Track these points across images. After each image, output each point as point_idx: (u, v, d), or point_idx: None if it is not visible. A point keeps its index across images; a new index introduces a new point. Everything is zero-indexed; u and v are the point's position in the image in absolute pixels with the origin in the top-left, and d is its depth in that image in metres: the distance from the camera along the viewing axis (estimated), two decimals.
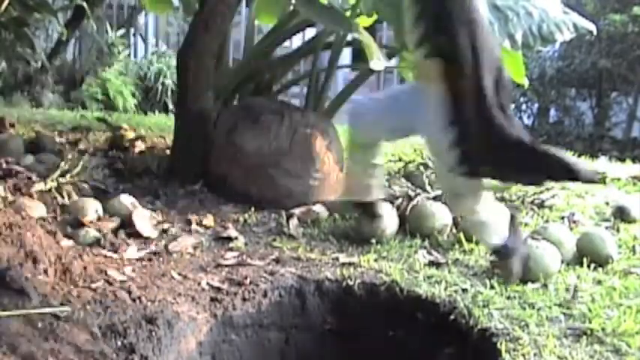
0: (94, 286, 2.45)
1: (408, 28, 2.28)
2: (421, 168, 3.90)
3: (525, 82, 4.24)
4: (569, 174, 2.16)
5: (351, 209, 2.87)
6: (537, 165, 2.18)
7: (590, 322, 2.38)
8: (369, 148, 2.59)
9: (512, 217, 2.62)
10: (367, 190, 2.68)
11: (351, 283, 2.71)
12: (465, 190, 2.36)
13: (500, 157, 2.20)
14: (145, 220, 3.14)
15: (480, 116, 2.15)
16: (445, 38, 2.14)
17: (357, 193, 2.76)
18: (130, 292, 2.43)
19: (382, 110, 2.51)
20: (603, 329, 2.32)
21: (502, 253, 2.59)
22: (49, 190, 3.30)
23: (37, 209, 3.03)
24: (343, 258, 2.93)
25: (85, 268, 2.53)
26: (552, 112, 10.51)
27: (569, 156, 2.25)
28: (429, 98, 2.27)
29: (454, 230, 3.26)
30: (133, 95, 9.09)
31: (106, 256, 2.77)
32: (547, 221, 3.54)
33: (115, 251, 2.84)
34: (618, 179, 4.62)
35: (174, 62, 6.33)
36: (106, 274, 2.58)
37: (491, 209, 2.52)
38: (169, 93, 9.42)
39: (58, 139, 4.56)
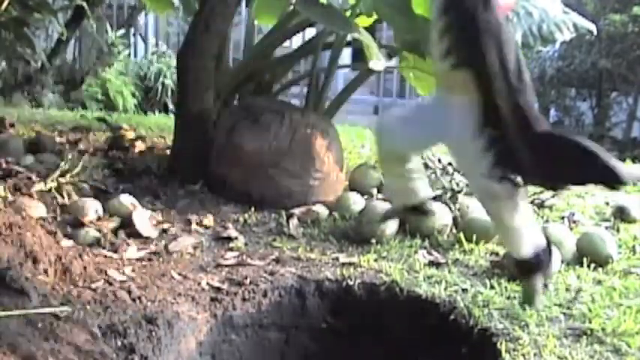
0: (94, 286, 2.45)
1: (433, 40, 2.32)
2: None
3: None
4: (614, 177, 2.10)
5: (405, 213, 2.89)
6: (581, 164, 2.14)
7: (590, 322, 2.38)
8: (400, 157, 2.62)
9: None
10: (411, 193, 2.71)
11: (351, 283, 2.71)
12: (502, 194, 2.33)
13: (542, 157, 2.18)
14: (145, 220, 3.14)
15: (515, 116, 2.17)
16: (472, 49, 2.19)
17: (403, 198, 2.78)
18: (130, 292, 2.43)
19: (410, 123, 2.54)
20: (603, 329, 2.32)
21: (529, 266, 2.43)
22: (49, 190, 3.30)
23: (37, 209, 3.03)
24: (343, 258, 2.93)
25: (85, 268, 2.53)
26: (552, 112, 10.50)
27: (610, 157, 2.19)
28: (454, 108, 2.32)
29: (454, 230, 3.27)
30: (133, 95, 9.09)
31: (106, 256, 2.77)
32: (547, 221, 3.54)
33: (115, 251, 2.84)
34: None
35: (174, 62, 6.32)
36: (106, 274, 2.58)
37: (527, 216, 2.44)
38: (169, 93, 9.41)
39: (58, 139, 4.56)
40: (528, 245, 2.41)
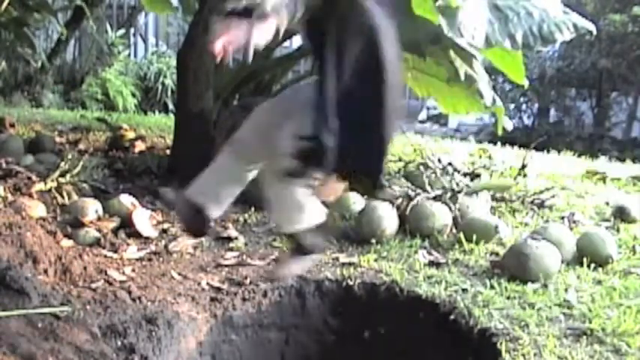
0: (94, 286, 2.45)
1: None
2: (421, 168, 3.90)
3: (525, 83, 4.25)
4: None
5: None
6: None
7: (590, 322, 2.37)
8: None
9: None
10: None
11: (351, 283, 2.71)
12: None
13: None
14: (145, 220, 3.13)
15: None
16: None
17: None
18: (130, 292, 2.43)
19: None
20: (603, 329, 2.32)
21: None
22: (49, 190, 3.30)
23: (37, 209, 3.03)
24: (343, 258, 2.93)
25: (85, 268, 2.53)
26: (552, 112, 10.52)
27: None
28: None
29: (454, 230, 3.26)
30: (133, 95, 9.10)
31: (106, 256, 2.77)
32: (547, 221, 3.54)
33: (115, 251, 2.84)
34: (618, 179, 4.62)
35: (174, 62, 6.33)
36: (106, 274, 2.58)
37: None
38: (169, 93, 9.42)
39: (58, 139, 4.57)
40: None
